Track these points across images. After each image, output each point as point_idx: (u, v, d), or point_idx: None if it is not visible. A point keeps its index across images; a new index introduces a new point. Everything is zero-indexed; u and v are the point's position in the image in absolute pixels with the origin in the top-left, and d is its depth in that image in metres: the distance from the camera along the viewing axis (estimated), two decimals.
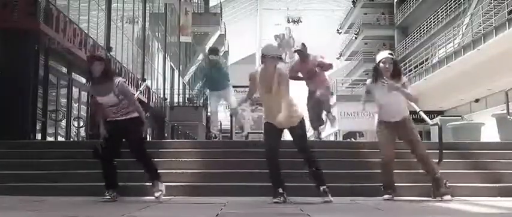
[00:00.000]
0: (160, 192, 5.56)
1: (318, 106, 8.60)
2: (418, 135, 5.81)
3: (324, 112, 8.89)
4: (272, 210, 4.80)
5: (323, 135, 10.09)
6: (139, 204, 5.12)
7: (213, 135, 9.76)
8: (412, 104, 8.10)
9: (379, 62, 5.62)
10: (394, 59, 5.67)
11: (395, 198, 5.65)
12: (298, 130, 5.38)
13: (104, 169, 5.57)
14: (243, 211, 4.66)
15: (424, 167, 5.76)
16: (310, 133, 9.00)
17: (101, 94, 5.50)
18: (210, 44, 35.43)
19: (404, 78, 5.77)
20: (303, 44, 8.47)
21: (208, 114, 9.39)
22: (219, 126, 8.15)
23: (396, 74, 5.62)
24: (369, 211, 4.79)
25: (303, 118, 5.47)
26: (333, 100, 9.13)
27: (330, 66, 8.61)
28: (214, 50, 9.03)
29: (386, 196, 5.64)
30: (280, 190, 5.27)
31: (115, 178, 5.61)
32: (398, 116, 5.66)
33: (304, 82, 8.63)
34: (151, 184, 5.64)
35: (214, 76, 8.39)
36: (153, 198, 5.53)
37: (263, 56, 5.36)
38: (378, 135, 5.82)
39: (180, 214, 4.58)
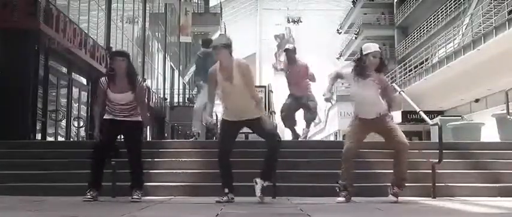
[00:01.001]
0: (139, 196, 5.46)
1: (295, 108, 8.63)
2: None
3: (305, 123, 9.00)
4: (272, 210, 4.80)
5: (321, 136, 10.19)
6: (139, 204, 5.12)
7: (191, 134, 9.56)
8: (412, 104, 8.12)
9: (369, 54, 5.29)
10: (381, 53, 5.41)
11: (352, 199, 5.33)
12: (262, 123, 5.26)
13: (94, 168, 5.53)
14: (243, 211, 4.65)
15: (398, 161, 5.40)
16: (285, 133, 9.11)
17: (118, 91, 5.45)
18: None
19: (382, 75, 5.44)
20: (294, 47, 8.72)
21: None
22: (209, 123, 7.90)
23: (380, 70, 5.37)
24: (369, 211, 4.79)
25: (264, 114, 5.43)
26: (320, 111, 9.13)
27: (314, 79, 8.73)
28: (207, 42, 8.98)
29: (339, 198, 5.27)
30: (226, 190, 5.25)
31: (101, 179, 5.58)
32: (374, 113, 5.34)
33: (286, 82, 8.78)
34: (132, 187, 5.53)
35: (207, 67, 8.38)
36: (157, 197, 5.53)
37: (214, 48, 5.27)
38: (348, 127, 5.55)
39: (180, 214, 4.58)
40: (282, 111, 8.72)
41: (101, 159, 5.55)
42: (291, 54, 8.59)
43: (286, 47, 8.85)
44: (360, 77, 5.31)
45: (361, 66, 5.33)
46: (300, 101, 8.58)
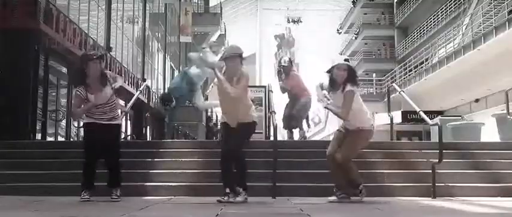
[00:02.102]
0: (118, 195, 5.50)
1: (292, 107, 9.00)
2: (352, 150, 5.39)
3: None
4: (272, 210, 4.80)
5: (321, 136, 10.40)
6: (139, 204, 5.12)
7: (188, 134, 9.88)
8: (412, 104, 8.12)
9: (334, 67, 5.36)
10: (348, 65, 5.41)
11: (350, 199, 5.36)
12: (241, 129, 5.39)
13: (85, 170, 5.54)
14: (243, 211, 4.65)
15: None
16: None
17: (96, 91, 5.43)
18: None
19: (348, 86, 5.27)
20: (289, 60, 9.37)
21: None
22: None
23: (351, 81, 5.31)
24: (369, 211, 4.79)
25: (253, 123, 5.49)
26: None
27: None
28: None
29: (331, 198, 5.37)
30: (227, 190, 5.30)
31: (94, 179, 5.57)
32: (348, 126, 5.41)
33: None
34: (111, 187, 5.57)
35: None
36: (157, 197, 5.53)
37: (227, 57, 5.41)
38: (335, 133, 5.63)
39: (180, 214, 4.58)
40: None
41: (91, 162, 5.54)
42: (285, 70, 9.15)
43: (283, 64, 9.24)
44: (331, 89, 5.41)
45: (330, 79, 5.43)
46: (295, 103, 9.00)
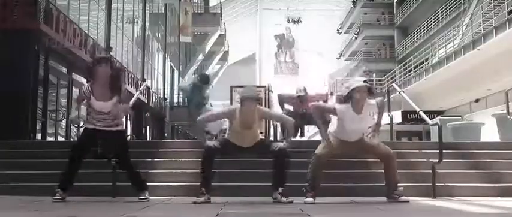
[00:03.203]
0: (146, 196, 5.44)
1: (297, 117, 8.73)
2: (377, 141, 5.50)
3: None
4: (272, 210, 4.80)
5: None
6: (139, 204, 5.12)
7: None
8: (412, 104, 8.12)
9: (354, 89, 5.24)
10: (370, 87, 5.33)
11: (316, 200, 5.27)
12: (260, 145, 5.55)
13: (67, 168, 5.40)
14: (243, 211, 4.65)
15: (387, 170, 5.45)
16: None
17: (102, 99, 5.32)
18: (210, 44, 35.48)
19: (373, 102, 5.36)
20: (305, 89, 8.70)
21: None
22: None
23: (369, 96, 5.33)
24: (369, 211, 4.79)
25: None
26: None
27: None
28: (203, 78, 9.54)
29: (309, 199, 5.22)
30: (204, 190, 5.31)
31: (73, 179, 5.45)
32: (357, 137, 5.43)
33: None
34: (138, 190, 5.52)
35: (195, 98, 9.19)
36: (157, 197, 5.52)
37: (242, 99, 5.42)
38: (326, 140, 5.41)
39: (180, 214, 4.58)
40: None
41: (75, 156, 5.38)
42: (303, 98, 8.64)
43: (298, 93, 8.68)
44: (355, 113, 5.29)
45: (346, 98, 5.31)
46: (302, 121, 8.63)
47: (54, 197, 5.25)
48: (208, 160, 5.43)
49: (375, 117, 5.56)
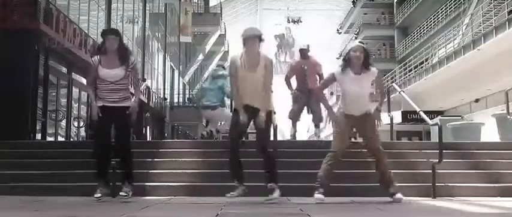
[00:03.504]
0: (128, 192, 5.45)
1: (302, 101, 8.68)
2: (377, 131, 5.53)
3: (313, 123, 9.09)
4: (272, 210, 4.80)
5: (321, 136, 10.20)
6: (140, 204, 5.12)
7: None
8: (412, 104, 8.12)
9: (350, 50, 5.43)
10: (365, 49, 5.46)
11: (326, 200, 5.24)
12: (261, 122, 5.29)
13: (98, 166, 5.46)
14: (243, 211, 4.65)
15: (377, 164, 5.50)
16: (287, 131, 9.22)
17: (109, 67, 5.43)
18: (210, 44, 35.48)
19: (373, 69, 5.46)
20: (308, 45, 8.84)
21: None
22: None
23: (366, 65, 5.41)
24: (369, 211, 4.79)
25: (272, 113, 5.46)
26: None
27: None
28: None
29: (320, 196, 5.22)
30: (236, 183, 5.33)
31: (108, 172, 5.54)
32: (362, 110, 5.42)
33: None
34: (123, 180, 5.53)
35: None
36: (157, 197, 5.52)
37: (244, 39, 5.31)
38: (336, 126, 5.49)
39: (180, 214, 4.58)
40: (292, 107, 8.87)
41: (102, 153, 5.45)
42: (305, 52, 8.77)
43: (302, 47, 8.91)
44: (351, 72, 5.38)
45: (346, 61, 5.44)
46: (309, 99, 8.60)
47: (94, 196, 5.29)
48: (233, 155, 5.35)
49: (375, 92, 5.71)
